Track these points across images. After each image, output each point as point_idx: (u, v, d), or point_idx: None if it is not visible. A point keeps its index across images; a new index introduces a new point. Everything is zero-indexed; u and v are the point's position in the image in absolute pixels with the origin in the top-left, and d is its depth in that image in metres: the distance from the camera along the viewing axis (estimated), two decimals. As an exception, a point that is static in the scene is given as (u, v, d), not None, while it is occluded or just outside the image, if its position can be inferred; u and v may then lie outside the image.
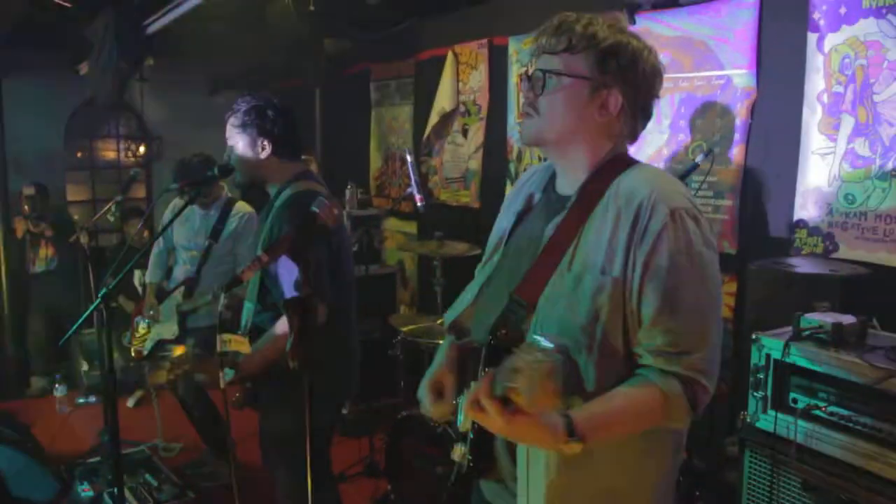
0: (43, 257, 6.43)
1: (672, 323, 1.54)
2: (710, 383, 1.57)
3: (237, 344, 2.43)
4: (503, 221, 1.92)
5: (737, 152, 3.70)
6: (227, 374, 2.50)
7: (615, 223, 1.59)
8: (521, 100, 1.73)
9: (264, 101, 2.87)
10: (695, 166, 3.48)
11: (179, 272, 4.67)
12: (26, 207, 6.30)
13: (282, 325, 2.71)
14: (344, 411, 4.61)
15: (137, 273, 5.65)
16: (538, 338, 1.39)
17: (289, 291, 2.59)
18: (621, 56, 1.64)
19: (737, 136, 3.70)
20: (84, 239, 5.31)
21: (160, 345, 4.45)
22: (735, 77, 3.69)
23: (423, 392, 1.87)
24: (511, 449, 1.69)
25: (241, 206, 4.69)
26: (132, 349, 4.72)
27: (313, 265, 2.66)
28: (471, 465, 1.67)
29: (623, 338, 1.58)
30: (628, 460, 1.64)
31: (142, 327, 4.63)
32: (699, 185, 3.68)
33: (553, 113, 1.68)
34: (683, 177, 3.39)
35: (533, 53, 1.74)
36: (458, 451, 1.69)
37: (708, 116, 3.84)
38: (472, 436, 1.66)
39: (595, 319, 1.56)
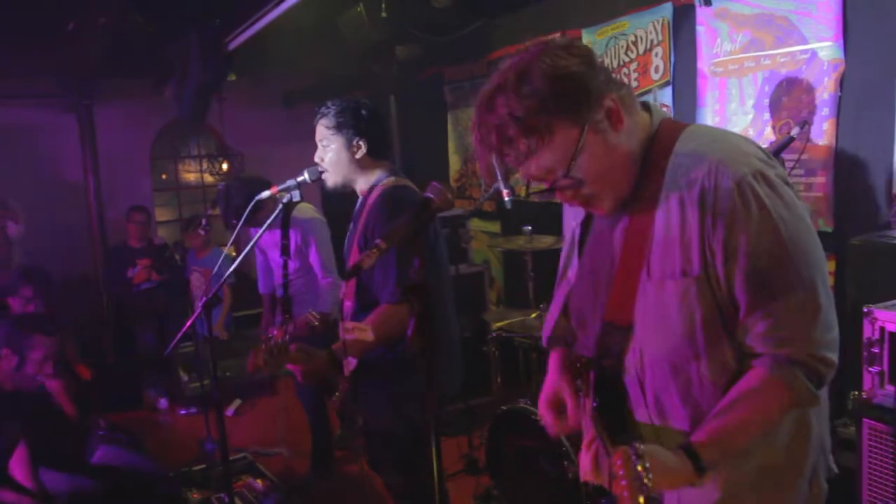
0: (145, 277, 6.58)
1: (772, 305, 1.42)
2: (830, 353, 1.45)
3: (360, 332, 2.41)
4: (570, 221, 1.88)
5: (827, 127, 3.60)
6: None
7: (681, 214, 1.48)
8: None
9: (355, 102, 2.87)
10: (790, 140, 3.33)
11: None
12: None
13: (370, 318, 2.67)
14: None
15: None
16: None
17: (402, 279, 2.55)
18: (573, 80, 1.48)
19: (826, 111, 3.59)
20: (178, 256, 5.49)
21: None
22: (820, 50, 3.59)
23: (544, 411, 1.83)
24: None
25: (302, 211, 4.26)
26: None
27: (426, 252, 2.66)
28: None
29: (726, 332, 1.48)
30: (779, 438, 1.56)
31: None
32: (793, 164, 3.54)
33: (600, 178, 1.54)
34: (777, 152, 3.24)
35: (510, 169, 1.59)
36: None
37: (794, 93, 3.74)
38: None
39: (691, 325, 1.47)
